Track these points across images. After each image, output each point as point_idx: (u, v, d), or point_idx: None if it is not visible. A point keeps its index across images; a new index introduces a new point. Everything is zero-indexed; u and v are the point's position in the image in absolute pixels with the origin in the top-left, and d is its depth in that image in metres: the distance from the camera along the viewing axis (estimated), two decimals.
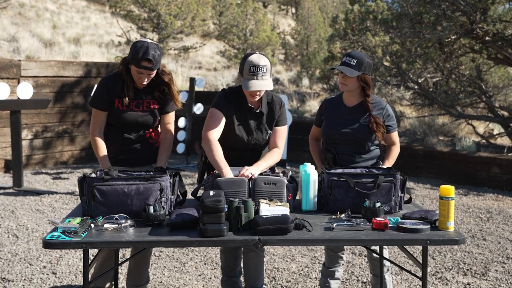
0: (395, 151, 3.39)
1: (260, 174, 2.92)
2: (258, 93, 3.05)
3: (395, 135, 3.40)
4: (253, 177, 2.85)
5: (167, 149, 3.30)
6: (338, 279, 3.52)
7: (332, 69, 3.57)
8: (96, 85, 3.20)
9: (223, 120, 3.10)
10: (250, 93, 3.05)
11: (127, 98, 3.13)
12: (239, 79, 3.13)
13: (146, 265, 3.35)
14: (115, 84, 3.15)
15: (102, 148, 3.14)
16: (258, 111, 3.17)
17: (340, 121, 3.32)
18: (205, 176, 3.24)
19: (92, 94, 3.19)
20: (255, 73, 2.96)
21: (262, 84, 2.98)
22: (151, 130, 3.30)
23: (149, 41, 3.09)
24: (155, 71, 3.10)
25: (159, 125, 3.38)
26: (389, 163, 3.33)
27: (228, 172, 2.88)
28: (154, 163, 3.30)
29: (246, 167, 2.93)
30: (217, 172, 2.92)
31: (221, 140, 3.09)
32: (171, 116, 3.34)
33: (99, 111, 3.16)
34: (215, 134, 3.06)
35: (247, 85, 2.97)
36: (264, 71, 2.98)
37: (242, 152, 3.19)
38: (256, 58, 2.99)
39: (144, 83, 3.11)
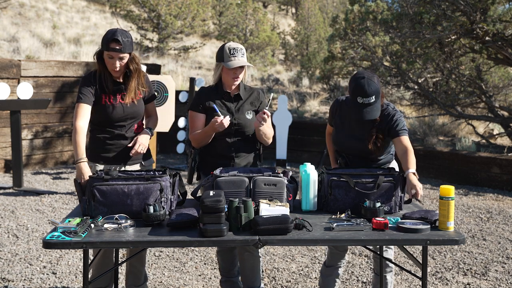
0: (411, 151, 2.99)
1: (261, 176, 2.91)
2: (239, 75, 3.23)
3: (405, 139, 3.07)
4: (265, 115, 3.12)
5: (154, 120, 3.42)
6: (338, 278, 3.52)
7: (356, 118, 3.03)
8: (79, 83, 3.23)
9: (202, 116, 3.28)
10: (232, 74, 3.21)
11: (110, 87, 3.15)
12: (217, 72, 3.28)
13: (142, 263, 3.35)
14: (95, 79, 3.17)
15: (83, 139, 3.09)
16: (236, 93, 3.32)
17: (347, 132, 3.24)
18: (195, 175, 3.38)
19: (78, 91, 3.22)
20: (235, 54, 3.19)
21: (243, 62, 3.19)
22: (139, 124, 3.32)
23: (119, 27, 3.14)
24: (127, 56, 3.12)
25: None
26: (414, 165, 2.92)
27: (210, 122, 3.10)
28: (144, 160, 3.34)
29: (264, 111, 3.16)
30: (217, 172, 2.93)
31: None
32: (153, 105, 3.43)
33: (83, 104, 3.13)
34: (198, 130, 3.28)
35: (230, 64, 3.16)
36: (242, 53, 3.22)
37: (228, 137, 3.26)
38: (233, 43, 3.24)
39: (117, 69, 3.11)
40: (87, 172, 2.90)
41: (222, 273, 3.51)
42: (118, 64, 3.10)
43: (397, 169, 3.33)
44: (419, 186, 2.81)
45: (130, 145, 3.19)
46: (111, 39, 3.04)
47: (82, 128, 3.08)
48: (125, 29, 3.19)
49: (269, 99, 3.25)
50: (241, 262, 3.35)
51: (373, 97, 2.97)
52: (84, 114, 3.11)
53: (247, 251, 3.29)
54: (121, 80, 3.24)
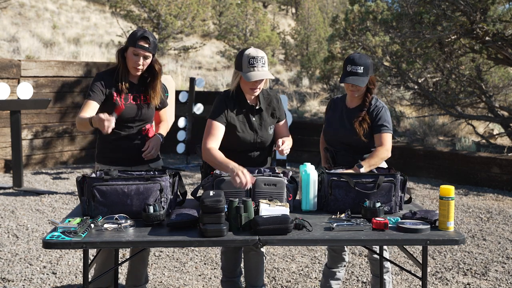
0: (380, 151, 3.14)
1: (261, 176, 2.92)
2: (259, 86, 3.04)
3: (385, 137, 3.19)
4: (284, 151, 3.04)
5: (166, 127, 3.42)
6: (339, 279, 3.52)
7: (341, 82, 3.22)
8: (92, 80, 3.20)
9: (221, 129, 3.06)
10: (251, 86, 3.02)
11: (124, 86, 3.13)
12: (235, 80, 3.10)
13: (144, 265, 3.35)
14: (110, 77, 3.16)
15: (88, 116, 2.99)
16: (258, 107, 3.17)
17: (337, 122, 3.32)
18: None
19: (88, 88, 3.18)
20: (254, 65, 2.97)
21: (264, 74, 2.98)
22: (147, 127, 3.30)
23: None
24: (151, 57, 3.13)
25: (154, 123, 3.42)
26: (367, 163, 3.06)
27: (235, 165, 2.80)
28: (151, 162, 3.31)
29: (282, 140, 3.06)
30: (217, 172, 2.92)
31: (226, 145, 3.09)
32: (165, 111, 3.43)
33: (92, 101, 3.08)
34: (213, 143, 3.03)
35: (249, 77, 2.96)
36: (263, 62, 3.00)
37: (250, 152, 3.18)
38: (253, 51, 3.01)
39: (139, 67, 3.11)
40: (102, 115, 2.78)
41: (224, 273, 3.50)
42: (141, 62, 3.10)
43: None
44: (282, 144, 3.04)
45: (143, 149, 3.18)
46: (140, 37, 3.06)
47: (85, 116, 3.00)
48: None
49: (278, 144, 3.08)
50: (246, 260, 3.33)
51: (362, 68, 3.13)
52: (89, 109, 3.05)
53: (253, 250, 3.26)
54: (137, 82, 3.22)
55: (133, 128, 3.22)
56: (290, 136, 3.32)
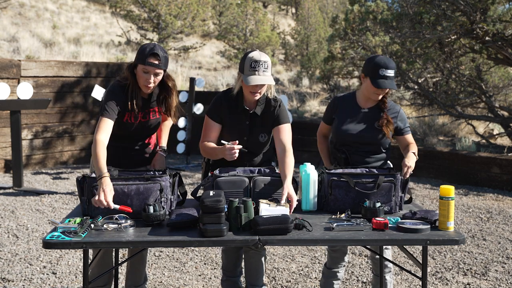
0: (415, 145, 3.29)
1: (261, 176, 2.92)
2: (259, 91, 3.01)
3: (410, 137, 3.34)
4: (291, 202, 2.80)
5: (167, 132, 3.40)
6: (339, 280, 3.52)
7: (377, 87, 3.14)
8: (104, 94, 3.07)
9: (215, 127, 3.14)
10: (251, 89, 3.00)
11: (135, 105, 3.02)
12: (238, 81, 3.08)
13: (143, 264, 3.34)
14: (122, 94, 3.03)
15: (103, 152, 2.84)
16: (251, 112, 3.14)
17: (354, 123, 3.27)
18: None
19: (102, 103, 3.03)
20: (256, 69, 2.93)
21: (264, 79, 2.95)
22: (151, 136, 3.29)
23: (157, 43, 3.07)
24: (162, 73, 3.00)
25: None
26: (414, 147, 3.22)
27: (223, 146, 2.94)
28: (148, 164, 3.29)
29: (288, 194, 2.80)
30: (217, 172, 2.93)
31: (218, 143, 3.14)
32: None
33: (107, 119, 2.95)
34: (210, 140, 3.13)
35: (248, 81, 2.93)
36: (266, 67, 2.95)
37: (241, 152, 3.14)
38: (257, 54, 2.97)
39: (150, 85, 2.98)
40: (109, 185, 2.62)
41: (224, 272, 3.49)
42: (152, 79, 2.96)
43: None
44: (409, 165, 3.01)
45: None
46: (149, 53, 2.90)
47: (102, 142, 2.86)
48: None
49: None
50: (246, 259, 3.32)
51: (393, 72, 3.17)
52: (106, 128, 2.92)
53: (252, 249, 3.26)
54: (147, 97, 3.13)
55: (137, 140, 3.21)
56: (287, 146, 3.13)
